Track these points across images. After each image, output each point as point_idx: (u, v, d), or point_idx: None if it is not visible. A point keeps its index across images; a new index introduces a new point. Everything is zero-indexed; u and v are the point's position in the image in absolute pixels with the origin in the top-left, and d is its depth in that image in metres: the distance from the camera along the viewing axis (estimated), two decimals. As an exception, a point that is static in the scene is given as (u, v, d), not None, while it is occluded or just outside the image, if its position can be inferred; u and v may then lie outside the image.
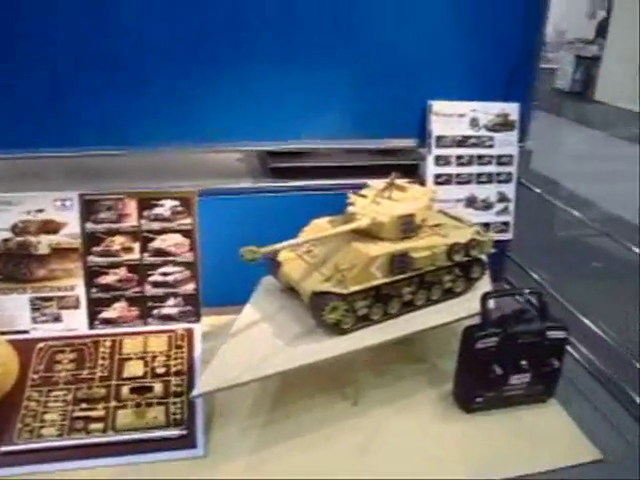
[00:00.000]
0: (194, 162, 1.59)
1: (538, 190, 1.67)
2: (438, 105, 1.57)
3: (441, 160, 1.59)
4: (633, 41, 8.69)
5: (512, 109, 1.63)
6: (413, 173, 1.61)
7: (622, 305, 2.74)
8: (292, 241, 1.11)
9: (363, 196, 1.26)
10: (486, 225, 1.62)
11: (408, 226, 1.20)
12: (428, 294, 1.26)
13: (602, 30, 9.91)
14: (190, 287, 1.40)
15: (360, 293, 1.14)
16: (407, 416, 1.22)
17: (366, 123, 1.57)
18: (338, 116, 1.55)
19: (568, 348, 1.46)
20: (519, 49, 1.59)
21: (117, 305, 1.38)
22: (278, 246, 1.07)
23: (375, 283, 1.15)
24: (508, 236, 1.70)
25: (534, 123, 1.73)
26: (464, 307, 1.29)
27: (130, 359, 1.26)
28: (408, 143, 1.61)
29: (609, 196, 4.69)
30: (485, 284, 1.37)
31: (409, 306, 1.25)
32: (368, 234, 1.19)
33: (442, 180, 1.60)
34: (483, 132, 1.61)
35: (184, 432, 1.11)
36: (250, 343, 1.14)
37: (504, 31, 1.58)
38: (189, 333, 1.34)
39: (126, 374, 1.22)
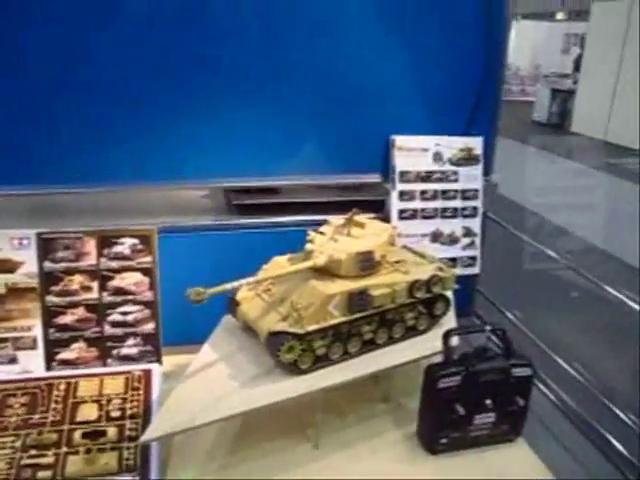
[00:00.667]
0: (158, 199, 1.58)
1: (504, 224, 1.68)
2: (401, 140, 1.57)
3: (405, 195, 1.59)
4: (604, 76, 8.95)
5: (476, 143, 1.64)
6: (379, 208, 1.61)
7: (592, 339, 2.74)
8: (242, 280, 1.09)
9: (322, 233, 1.25)
10: (453, 260, 1.61)
11: (367, 263, 1.19)
12: (390, 332, 1.24)
13: (579, 65, 10.19)
14: (150, 326, 1.38)
15: (318, 332, 1.12)
16: (370, 459, 1.19)
17: (330, 159, 1.57)
18: (303, 153, 1.55)
19: (538, 385, 1.44)
20: (481, 84, 1.61)
21: (75, 345, 1.35)
22: (227, 286, 1.05)
23: (333, 322, 1.13)
24: (475, 270, 1.69)
25: (510, 154, 1.74)
26: (427, 345, 1.27)
27: (84, 402, 1.22)
28: (372, 178, 1.61)
29: (582, 224, 4.77)
30: (450, 321, 1.36)
31: (370, 345, 1.22)
32: (327, 272, 1.18)
33: (407, 215, 1.59)
34: (447, 166, 1.62)
35: (136, 478, 1.07)
36: (205, 384, 1.11)
37: (466, 67, 1.60)
38: (147, 374, 1.30)
39: (79, 418, 1.18)
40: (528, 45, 12.55)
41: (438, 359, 1.21)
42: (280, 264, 1.24)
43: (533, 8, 11.18)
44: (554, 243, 4.35)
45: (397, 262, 1.27)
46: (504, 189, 1.76)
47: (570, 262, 1.52)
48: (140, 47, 1.39)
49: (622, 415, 1.32)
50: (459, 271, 1.60)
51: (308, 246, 1.20)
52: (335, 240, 1.21)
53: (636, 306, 1.25)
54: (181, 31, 1.41)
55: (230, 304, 1.24)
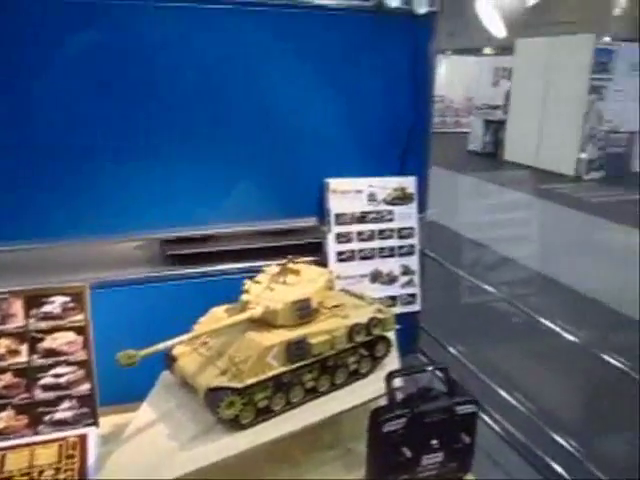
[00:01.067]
0: (89, 253, 1.53)
1: (440, 260, 1.70)
2: (335, 183, 1.59)
3: (342, 237, 1.60)
4: (531, 106, 9.44)
5: (409, 182, 1.68)
6: (317, 251, 1.61)
7: (533, 368, 2.81)
8: (176, 339, 1.06)
9: (258, 282, 1.23)
10: (393, 298, 1.62)
11: (304, 311, 1.18)
12: (332, 379, 1.23)
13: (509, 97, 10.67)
14: (85, 387, 1.31)
15: (258, 385, 1.09)
16: (319, 509, 1.16)
17: (266, 205, 1.57)
18: (238, 199, 1.55)
19: (484, 418, 1.45)
20: (411, 126, 1.65)
21: (3, 414, 1.27)
22: (160, 346, 1.01)
23: (273, 373, 1.11)
24: (416, 308, 1.71)
25: (447, 184, 1.78)
26: (371, 388, 1.26)
27: (12, 477, 1.14)
28: (308, 222, 1.61)
29: (520, 250, 4.93)
30: (393, 361, 1.35)
31: (313, 393, 1.20)
32: (264, 322, 1.16)
33: (345, 257, 1.60)
34: (382, 206, 1.64)
35: None
36: (144, 447, 1.06)
37: (396, 108, 1.64)
38: (82, 439, 1.24)
39: (7, 496, 1.11)
40: (460, 79, 13.10)
41: (383, 401, 1.20)
42: (217, 316, 1.22)
43: (459, 45, 11.70)
44: (493, 269, 4.47)
45: (335, 307, 1.26)
46: (439, 217, 1.79)
47: (505, 294, 1.56)
48: (75, 102, 1.38)
49: (563, 442, 1.34)
50: (399, 309, 1.61)
51: (244, 296, 1.19)
52: (271, 289, 1.20)
53: (570, 337, 1.29)
54: (117, 86, 1.40)
55: (167, 360, 1.20)
